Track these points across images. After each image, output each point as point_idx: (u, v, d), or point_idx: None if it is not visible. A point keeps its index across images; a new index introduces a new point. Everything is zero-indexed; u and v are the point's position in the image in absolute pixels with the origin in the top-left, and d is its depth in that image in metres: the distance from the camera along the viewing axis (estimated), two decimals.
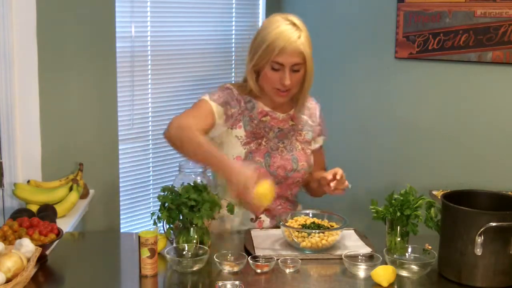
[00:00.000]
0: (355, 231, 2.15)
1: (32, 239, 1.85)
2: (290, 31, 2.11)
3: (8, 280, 1.64)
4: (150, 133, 3.16)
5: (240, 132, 2.20)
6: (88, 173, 2.71)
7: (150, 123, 3.15)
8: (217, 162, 2.00)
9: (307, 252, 1.96)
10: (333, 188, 2.07)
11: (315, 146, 2.33)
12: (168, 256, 1.82)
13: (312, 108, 2.34)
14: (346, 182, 2.10)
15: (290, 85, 2.14)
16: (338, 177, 2.07)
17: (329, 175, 2.09)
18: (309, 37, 2.15)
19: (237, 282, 1.70)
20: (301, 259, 1.87)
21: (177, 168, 2.15)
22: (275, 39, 2.10)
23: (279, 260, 1.85)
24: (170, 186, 1.93)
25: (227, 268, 1.82)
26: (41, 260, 1.86)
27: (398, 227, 1.94)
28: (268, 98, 2.23)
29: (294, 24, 2.13)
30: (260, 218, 2.24)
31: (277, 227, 2.13)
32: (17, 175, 2.55)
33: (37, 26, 2.54)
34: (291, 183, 2.25)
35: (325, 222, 2.08)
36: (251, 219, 2.24)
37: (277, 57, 2.10)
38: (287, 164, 2.21)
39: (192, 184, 1.92)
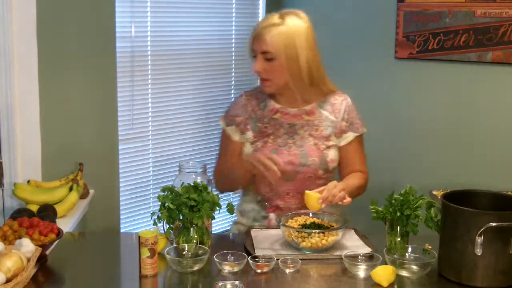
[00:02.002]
0: (355, 231, 2.15)
1: (32, 239, 1.85)
2: (268, 20, 2.18)
3: (8, 280, 1.64)
4: (150, 133, 3.16)
5: (249, 134, 2.28)
6: (88, 173, 2.71)
7: (150, 123, 3.15)
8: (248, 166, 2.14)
9: (307, 252, 1.96)
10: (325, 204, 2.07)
11: (342, 142, 2.30)
12: (168, 256, 1.82)
13: (337, 104, 2.32)
14: (347, 199, 2.08)
15: (265, 74, 2.19)
16: (324, 194, 2.05)
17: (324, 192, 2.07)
18: (290, 29, 2.17)
19: (237, 282, 1.70)
20: (301, 259, 1.87)
21: (177, 168, 2.15)
22: (255, 26, 2.20)
23: (279, 260, 1.85)
24: (170, 186, 1.93)
25: (227, 268, 1.82)
26: (41, 260, 1.86)
27: (398, 227, 1.94)
28: (278, 95, 2.28)
29: (280, 16, 2.18)
30: (269, 216, 2.25)
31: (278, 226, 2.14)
32: (17, 175, 2.55)
33: (37, 26, 2.54)
34: (303, 179, 2.24)
35: (325, 222, 2.08)
36: (263, 216, 2.26)
37: (251, 43, 2.20)
38: (295, 159, 2.22)
39: (192, 184, 1.92)
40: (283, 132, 2.26)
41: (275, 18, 2.19)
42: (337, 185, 2.08)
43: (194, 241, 1.90)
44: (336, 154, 2.29)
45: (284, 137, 2.25)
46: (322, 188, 2.08)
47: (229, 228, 3.62)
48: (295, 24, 2.19)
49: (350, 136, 2.31)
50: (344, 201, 2.07)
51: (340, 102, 2.33)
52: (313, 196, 2.06)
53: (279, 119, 2.27)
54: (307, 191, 2.08)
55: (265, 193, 2.27)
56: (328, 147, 2.27)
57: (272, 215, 2.26)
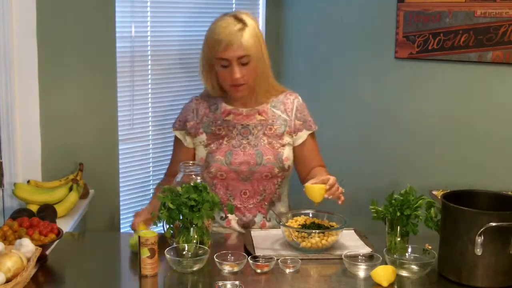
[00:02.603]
0: (355, 231, 2.15)
1: (32, 239, 1.85)
2: (230, 25, 2.16)
3: (8, 280, 1.64)
4: (150, 133, 3.16)
5: (202, 137, 2.30)
6: (88, 173, 2.71)
7: (150, 123, 3.15)
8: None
9: (307, 252, 1.96)
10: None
11: (298, 141, 2.32)
12: (168, 256, 1.83)
13: (288, 103, 2.33)
14: (341, 198, 2.08)
15: (242, 79, 2.18)
16: (331, 181, 2.05)
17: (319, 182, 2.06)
18: (255, 30, 2.19)
19: (237, 282, 1.71)
20: (301, 259, 1.87)
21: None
22: (217, 34, 2.16)
23: (279, 260, 1.85)
24: (170, 186, 1.93)
25: (227, 268, 1.82)
26: (41, 260, 1.86)
27: (398, 227, 1.93)
28: (229, 96, 2.29)
29: (237, 18, 2.18)
30: (228, 217, 2.26)
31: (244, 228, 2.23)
32: (17, 175, 2.55)
33: (37, 26, 2.54)
34: (260, 178, 2.25)
35: (325, 222, 2.08)
36: (221, 217, 2.28)
37: (221, 53, 2.15)
38: (250, 159, 2.23)
39: (192, 184, 1.92)
40: (236, 133, 2.27)
41: (233, 21, 2.18)
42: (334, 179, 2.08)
43: (194, 241, 1.90)
44: (291, 153, 2.31)
45: (238, 138, 2.26)
46: (321, 178, 2.07)
47: None
48: (254, 23, 2.22)
49: (304, 134, 2.32)
50: (342, 198, 2.07)
51: (292, 101, 2.34)
52: (316, 187, 2.03)
53: (231, 120, 2.29)
54: (306, 184, 2.06)
55: (222, 194, 2.27)
56: (283, 146, 2.28)
57: (231, 216, 2.27)
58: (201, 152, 2.29)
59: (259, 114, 2.29)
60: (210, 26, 2.24)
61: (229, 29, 2.15)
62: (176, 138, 2.39)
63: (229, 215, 2.26)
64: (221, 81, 2.24)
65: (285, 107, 2.32)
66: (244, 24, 2.17)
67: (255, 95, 2.28)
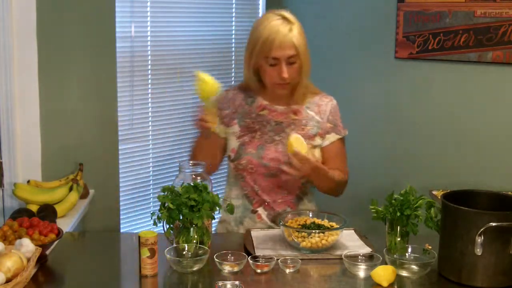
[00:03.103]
0: (355, 231, 2.15)
1: (32, 239, 1.85)
2: (281, 25, 2.17)
3: (8, 280, 1.64)
4: (150, 133, 3.16)
5: (235, 128, 2.30)
6: (88, 173, 2.71)
7: (150, 123, 3.15)
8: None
9: (307, 252, 1.96)
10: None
11: (325, 143, 2.31)
12: (168, 256, 1.83)
13: (323, 105, 2.34)
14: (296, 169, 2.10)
15: (289, 78, 2.20)
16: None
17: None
18: (301, 29, 2.21)
19: (237, 282, 1.71)
20: (301, 259, 1.87)
21: (177, 168, 2.15)
22: (268, 35, 2.16)
23: (279, 260, 1.85)
24: (170, 186, 1.93)
25: (227, 268, 1.82)
26: (41, 260, 1.86)
27: (398, 227, 1.93)
28: (267, 92, 2.29)
29: (284, 18, 2.20)
30: (258, 211, 2.26)
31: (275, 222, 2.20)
32: (17, 175, 2.55)
33: (37, 26, 2.54)
34: (286, 177, 2.25)
35: (325, 222, 2.08)
36: (251, 211, 2.27)
37: (271, 52, 2.16)
38: (280, 156, 2.24)
39: (192, 184, 1.92)
40: (269, 129, 2.28)
41: (281, 21, 2.19)
42: (310, 162, 2.09)
43: (194, 241, 1.90)
44: (319, 154, 2.31)
45: (271, 134, 2.27)
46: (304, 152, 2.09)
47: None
48: (297, 20, 2.23)
49: (332, 137, 2.32)
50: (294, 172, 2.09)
51: (326, 103, 2.34)
52: (293, 142, 2.08)
53: (266, 115, 2.30)
54: (292, 137, 2.10)
55: (250, 188, 2.28)
56: (313, 147, 2.28)
57: (261, 210, 2.27)
58: (233, 143, 2.29)
59: (294, 113, 2.30)
60: (257, 26, 2.23)
61: (280, 29, 2.17)
62: None
63: (258, 209, 2.28)
64: (266, 78, 2.24)
65: (319, 109, 2.32)
66: (292, 23, 2.19)
67: (293, 94, 2.29)
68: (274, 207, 2.28)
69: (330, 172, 2.20)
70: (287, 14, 2.21)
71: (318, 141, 2.30)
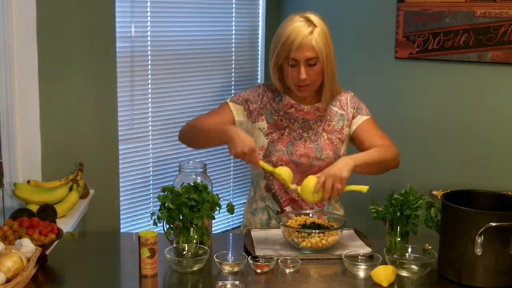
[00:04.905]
0: (355, 231, 2.15)
1: (32, 239, 1.85)
2: (302, 27, 2.20)
3: (8, 280, 1.64)
4: (150, 133, 3.16)
5: (262, 124, 2.32)
6: (88, 173, 2.71)
7: (150, 123, 3.15)
8: (222, 132, 2.14)
9: (307, 252, 1.96)
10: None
11: (353, 128, 2.33)
12: (168, 256, 1.83)
13: (343, 99, 2.38)
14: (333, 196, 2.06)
15: (308, 80, 2.22)
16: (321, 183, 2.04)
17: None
18: (324, 32, 2.23)
19: (237, 282, 1.71)
20: (301, 259, 1.87)
21: (177, 168, 2.15)
22: (288, 36, 2.19)
23: (279, 260, 1.85)
24: (170, 186, 1.93)
25: (227, 268, 1.82)
26: (41, 260, 1.86)
27: (398, 227, 1.94)
28: (292, 92, 2.31)
29: (308, 20, 2.22)
30: (285, 210, 2.26)
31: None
32: (17, 175, 2.55)
33: (37, 26, 2.54)
34: (317, 172, 2.24)
35: (325, 222, 2.08)
36: (277, 212, 2.28)
37: (291, 53, 2.19)
38: (310, 152, 2.27)
39: (192, 184, 1.92)
40: (297, 126, 2.31)
41: (304, 23, 2.20)
42: (333, 175, 2.04)
43: (194, 241, 1.90)
44: (346, 148, 2.35)
45: (299, 131, 2.31)
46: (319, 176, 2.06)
47: (229, 228, 3.63)
48: (323, 25, 2.25)
49: (358, 120, 2.35)
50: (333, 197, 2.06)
51: (345, 97, 2.39)
52: (310, 188, 2.03)
53: (293, 113, 2.32)
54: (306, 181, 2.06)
55: (279, 185, 2.29)
56: (342, 141, 2.32)
57: (288, 209, 2.28)
58: (262, 141, 2.30)
59: (318, 111, 2.33)
60: (281, 26, 2.26)
61: (301, 30, 2.18)
62: (224, 106, 2.36)
63: (286, 208, 2.28)
64: (286, 79, 2.27)
65: (341, 103, 2.36)
66: (314, 26, 2.20)
67: (320, 95, 2.31)
68: (302, 205, 2.29)
69: (366, 156, 2.17)
70: (312, 16, 2.23)
71: (346, 131, 2.33)
